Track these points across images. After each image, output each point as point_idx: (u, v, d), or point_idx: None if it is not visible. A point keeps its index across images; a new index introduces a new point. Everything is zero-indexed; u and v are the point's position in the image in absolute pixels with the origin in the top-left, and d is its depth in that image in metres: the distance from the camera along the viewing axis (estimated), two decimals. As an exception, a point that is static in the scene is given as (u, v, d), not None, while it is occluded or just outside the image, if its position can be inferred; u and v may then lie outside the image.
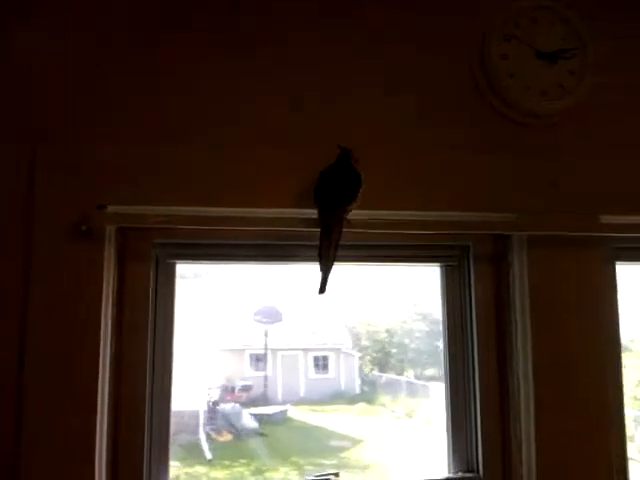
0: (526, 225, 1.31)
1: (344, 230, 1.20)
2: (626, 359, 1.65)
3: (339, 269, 1.87)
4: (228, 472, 1.78)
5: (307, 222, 1.21)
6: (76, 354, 1.14)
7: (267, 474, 1.80)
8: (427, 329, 1.99)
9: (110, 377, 1.19)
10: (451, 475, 1.35)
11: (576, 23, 1.40)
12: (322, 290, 1.19)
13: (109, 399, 1.18)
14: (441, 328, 1.77)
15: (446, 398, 1.38)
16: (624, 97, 1.42)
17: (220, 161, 1.25)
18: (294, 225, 1.23)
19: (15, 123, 1.21)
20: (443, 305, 1.40)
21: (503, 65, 1.36)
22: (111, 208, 1.19)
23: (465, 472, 1.34)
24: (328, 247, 1.18)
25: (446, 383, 1.38)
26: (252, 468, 1.81)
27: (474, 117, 1.37)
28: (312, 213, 1.21)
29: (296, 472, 1.79)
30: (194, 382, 1.86)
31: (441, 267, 1.41)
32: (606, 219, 1.32)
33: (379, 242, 1.34)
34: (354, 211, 1.21)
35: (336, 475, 1.30)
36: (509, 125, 1.37)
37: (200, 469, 1.71)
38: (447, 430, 1.37)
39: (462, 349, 1.38)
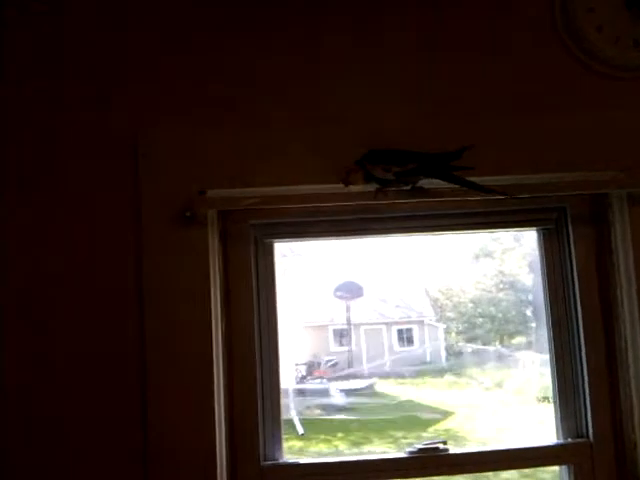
0: (624, 182, 1.26)
1: (435, 200, 1.23)
2: None
3: (420, 240, 1.88)
4: (325, 446, 1.81)
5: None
6: (191, 332, 1.19)
7: (363, 447, 1.83)
8: (513, 297, 1.96)
9: (223, 350, 1.25)
10: (561, 441, 1.33)
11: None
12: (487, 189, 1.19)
13: (223, 373, 1.24)
14: (530, 296, 1.73)
15: (551, 365, 1.36)
16: None
17: (307, 141, 1.25)
18: (389, 198, 1.22)
19: (116, 118, 1.26)
20: (542, 270, 1.37)
21: (589, 18, 1.31)
22: (211, 192, 1.22)
23: (575, 438, 1.32)
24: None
25: (550, 351, 1.36)
26: (347, 442, 1.84)
27: (564, 76, 1.32)
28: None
29: (392, 445, 1.81)
30: (282, 359, 1.90)
31: (538, 231, 1.38)
32: None
33: (472, 209, 1.32)
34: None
35: (444, 443, 1.30)
36: (602, 80, 1.32)
37: (296, 443, 1.76)
38: (554, 397, 1.35)
39: (565, 315, 1.34)
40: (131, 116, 1.25)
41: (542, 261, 1.37)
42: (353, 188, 1.22)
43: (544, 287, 1.36)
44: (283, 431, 1.32)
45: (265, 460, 1.27)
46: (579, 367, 1.33)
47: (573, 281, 1.33)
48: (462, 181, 1.17)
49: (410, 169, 1.17)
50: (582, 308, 1.31)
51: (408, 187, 1.21)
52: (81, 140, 1.25)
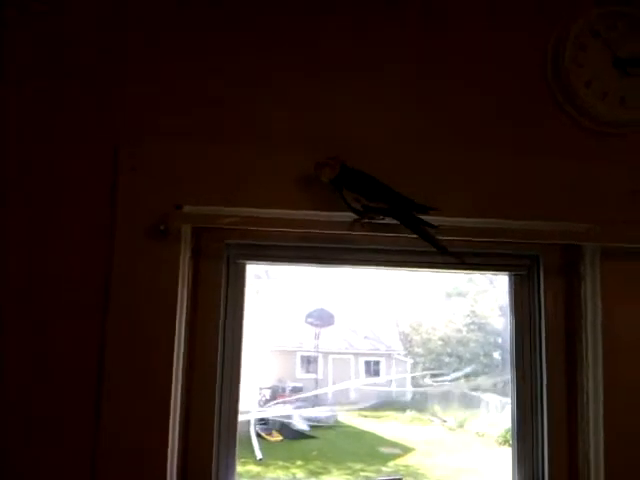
0: (600, 236, 1.27)
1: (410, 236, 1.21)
2: None
3: (396, 274, 1.89)
4: (282, 473, 1.79)
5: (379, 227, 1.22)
6: (153, 347, 1.18)
7: (321, 476, 1.81)
8: (483, 339, 1.97)
9: (183, 369, 1.22)
10: (516, 487, 1.33)
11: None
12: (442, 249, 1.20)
13: (182, 391, 1.22)
14: (499, 339, 1.73)
15: (512, 409, 1.36)
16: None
17: (290, 165, 1.25)
18: (365, 230, 1.23)
19: (97, 126, 1.25)
20: (511, 315, 1.37)
21: (578, 73, 1.34)
22: (187, 208, 1.21)
23: (531, 485, 1.32)
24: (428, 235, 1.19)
25: (512, 395, 1.36)
26: (305, 470, 1.81)
27: (548, 124, 1.34)
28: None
29: (350, 477, 1.80)
30: (246, 381, 1.89)
31: (510, 276, 1.39)
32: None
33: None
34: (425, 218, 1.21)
35: (400, 480, 1.29)
36: (585, 133, 1.34)
37: (254, 468, 1.73)
38: (512, 443, 1.35)
39: (530, 362, 1.35)
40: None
41: (511, 306, 1.37)
42: (334, 216, 1.23)
43: (511, 332, 1.37)
44: (239, 455, 1.30)
45: (218, 484, 1.25)
46: (540, 415, 1.33)
47: (540, 329, 1.34)
48: (422, 234, 1.19)
49: (378, 208, 1.18)
50: (547, 357, 1.32)
51: (383, 220, 1.22)
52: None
